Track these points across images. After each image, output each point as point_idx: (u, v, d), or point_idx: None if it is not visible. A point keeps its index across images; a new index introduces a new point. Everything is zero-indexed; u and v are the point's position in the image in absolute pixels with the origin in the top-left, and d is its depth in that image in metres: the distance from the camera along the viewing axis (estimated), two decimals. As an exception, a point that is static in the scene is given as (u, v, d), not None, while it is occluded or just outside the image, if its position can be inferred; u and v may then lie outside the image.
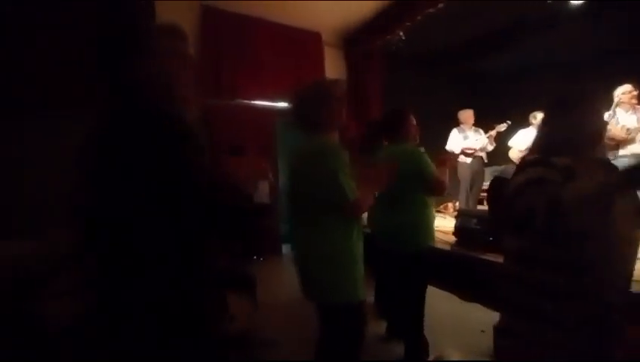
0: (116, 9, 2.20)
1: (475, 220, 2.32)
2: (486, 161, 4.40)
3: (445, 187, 1.83)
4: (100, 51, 0.86)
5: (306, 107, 1.37)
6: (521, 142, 4.05)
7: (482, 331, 2.19)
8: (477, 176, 4.32)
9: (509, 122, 4.16)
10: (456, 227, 2.37)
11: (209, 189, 0.81)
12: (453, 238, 2.40)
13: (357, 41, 4.15)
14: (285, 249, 4.80)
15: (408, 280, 1.90)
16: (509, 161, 4.25)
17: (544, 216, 0.86)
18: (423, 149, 1.95)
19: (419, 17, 3.52)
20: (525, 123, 4.11)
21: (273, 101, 3.69)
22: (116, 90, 0.86)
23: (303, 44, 3.91)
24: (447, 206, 4.03)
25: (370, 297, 2.59)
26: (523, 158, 1.10)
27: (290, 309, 2.66)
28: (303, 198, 1.38)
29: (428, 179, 1.78)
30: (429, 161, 1.83)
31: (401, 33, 3.79)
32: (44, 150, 2.57)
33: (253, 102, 3.61)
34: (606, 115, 3.23)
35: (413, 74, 4.73)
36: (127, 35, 0.87)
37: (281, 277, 3.65)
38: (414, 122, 2.00)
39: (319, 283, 1.35)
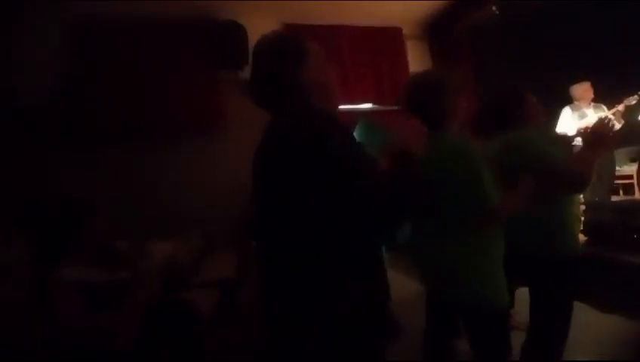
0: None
1: (610, 214, 1.95)
2: (614, 142, 3.65)
3: (586, 180, 1.38)
4: (267, 63, 0.92)
5: (427, 98, 1.24)
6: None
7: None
8: (605, 161, 3.60)
9: None
10: (585, 223, 2.02)
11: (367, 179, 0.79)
12: (581, 237, 2.06)
13: (442, 27, 3.89)
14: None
15: (551, 289, 1.54)
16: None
17: None
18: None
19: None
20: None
21: (357, 104, 3.70)
22: (284, 99, 0.90)
23: (383, 42, 3.83)
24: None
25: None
26: None
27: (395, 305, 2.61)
28: (433, 204, 1.24)
29: (549, 172, 1.38)
30: (543, 145, 1.45)
31: (494, 7, 3.39)
32: (193, 170, 3.22)
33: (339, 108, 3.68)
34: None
35: (512, 51, 4.19)
36: (294, 44, 0.92)
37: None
38: (535, 101, 1.65)
39: (466, 291, 1.22)
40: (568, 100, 3.84)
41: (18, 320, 1.34)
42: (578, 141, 3.65)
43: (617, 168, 3.74)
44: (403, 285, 2.85)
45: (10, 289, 1.55)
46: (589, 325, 2.08)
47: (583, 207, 2.16)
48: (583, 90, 3.72)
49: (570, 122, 3.73)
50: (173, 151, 3.26)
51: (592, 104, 3.73)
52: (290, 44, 0.92)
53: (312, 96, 0.90)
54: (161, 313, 1.52)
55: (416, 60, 3.92)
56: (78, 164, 2.99)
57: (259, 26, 3.53)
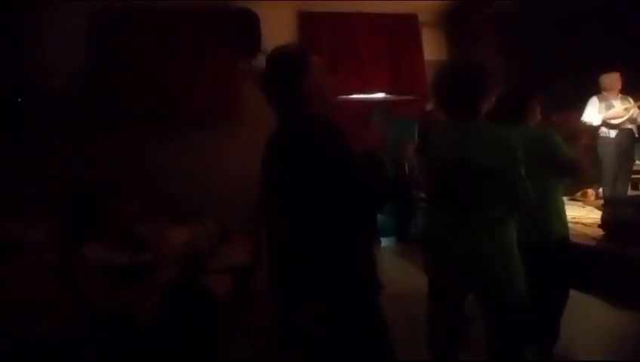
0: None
1: (630, 209, 1.90)
2: (637, 135, 3.55)
3: (583, 168, 1.63)
4: (274, 73, 1.07)
5: (462, 85, 1.22)
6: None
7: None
8: (625, 154, 3.51)
9: None
10: (604, 218, 1.97)
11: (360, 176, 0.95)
12: (599, 232, 2.01)
13: (459, 14, 3.76)
14: (385, 241, 4.72)
15: (544, 273, 1.60)
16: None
17: None
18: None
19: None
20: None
21: (371, 93, 3.66)
22: (288, 104, 1.05)
23: (399, 29, 3.74)
24: (586, 193, 3.34)
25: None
26: None
27: (396, 300, 2.63)
28: (462, 192, 1.24)
29: (560, 163, 1.59)
30: (560, 140, 1.60)
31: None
32: (208, 158, 3.28)
33: (352, 96, 3.64)
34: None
35: (536, 41, 4.00)
36: (297, 58, 1.05)
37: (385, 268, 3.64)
38: (537, 101, 1.75)
39: (497, 281, 1.24)
40: (595, 91, 3.71)
41: (40, 297, 1.41)
42: (603, 131, 3.55)
43: (636, 162, 3.68)
44: (413, 275, 2.85)
45: (35, 268, 1.65)
46: (602, 321, 2.06)
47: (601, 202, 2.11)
48: (611, 80, 3.58)
49: (596, 112, 3.62)
50: (189, 139, 3.32)
51: (620, 95, 3.60)
52: (294, 58, 1.06)
53: (311, 102, 1.03)
54: (179, 294, 1.58)
55: (432, 48, 3.82)
56: (101, 149, 3.11)
57: (273, 14, 3.54)
